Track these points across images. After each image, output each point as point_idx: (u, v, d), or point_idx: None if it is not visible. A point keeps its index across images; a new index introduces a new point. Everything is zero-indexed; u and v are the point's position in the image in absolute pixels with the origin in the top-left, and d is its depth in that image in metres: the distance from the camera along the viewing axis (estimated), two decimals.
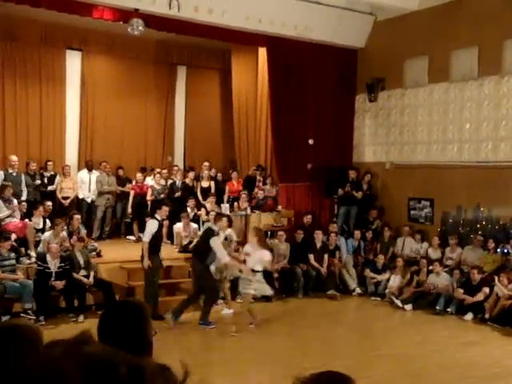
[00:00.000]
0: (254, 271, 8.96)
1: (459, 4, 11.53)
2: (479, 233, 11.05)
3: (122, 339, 2.01)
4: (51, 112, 13.95)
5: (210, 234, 9.34)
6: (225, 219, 9.65)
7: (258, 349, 8.16)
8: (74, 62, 14.32)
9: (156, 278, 9.39)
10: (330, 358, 7.60)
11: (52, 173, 12.78)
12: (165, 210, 9.70)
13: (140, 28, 10.91)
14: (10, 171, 11.70)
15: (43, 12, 11.09)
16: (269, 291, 9.59)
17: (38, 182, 12.13)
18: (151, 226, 9.35)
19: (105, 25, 12.16)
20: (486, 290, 9.78)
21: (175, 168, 14.14)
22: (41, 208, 10.92)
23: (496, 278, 9.72)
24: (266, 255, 9.17)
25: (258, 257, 8.99)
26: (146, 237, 9.32)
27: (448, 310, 10.15)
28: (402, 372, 7.11)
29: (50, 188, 12.57)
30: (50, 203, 11.58)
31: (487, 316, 9.54)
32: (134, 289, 9.71)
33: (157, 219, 9.46)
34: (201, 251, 9.32)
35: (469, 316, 9.76)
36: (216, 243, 9.15)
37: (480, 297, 9.78)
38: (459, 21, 11.51)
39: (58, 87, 14.04)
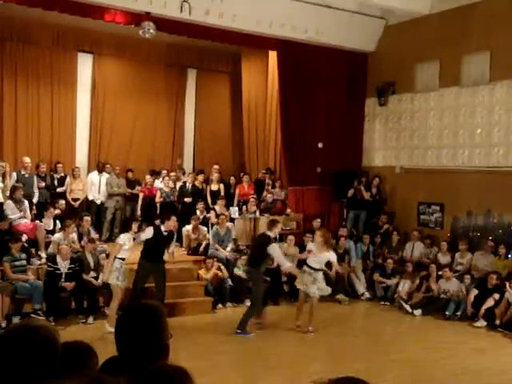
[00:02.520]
0: (314, 269, 9.12)
1: (471, 8, 11.49)
2: (490, 238, 10.98)
3: (138, 342, 2.02)
4: (62, 114, 14.05)
5: (266, 241, 9.06)
6: (280, 225, 9.62)
7: (266, 353, 8.15)
8: (85, 64, 14.42)
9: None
10: (339, 363, 7.58)
11: (62, 174, 12.83)
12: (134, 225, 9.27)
13: (151, 31, 10.96)
14: (23, 172, 11.76)
15: (55, 15, 11.18)
16: (328, 291, 9.57)
17: (43, 184, 12.15)
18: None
19: (116, 28, 12.23)
20: (496, 295, 9.72)
21: (179, 171, 14.20)
22: (52, 209, 10.97)
23: (507, 283, 9.66)
24: (333, 256, 9.39)
25: (323, 258, 9.19)
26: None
27: (457, 314, 10.10)
28: (411, 378, 7.08)
29: (59, 190, 12.62)
30: (62, 201, 11.66)
31: (498, 322, 9.47)
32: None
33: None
34: (255, 258, 9.15)
35: (481, 323, 9.70)
36: (275, 250, 9.02)
37: (490, 302, 9.71)
38: (471, 25, 11.47)
39: (69, 89, 14.14)
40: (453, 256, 11.33)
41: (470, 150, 11.67)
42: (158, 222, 10.22)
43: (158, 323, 2.12)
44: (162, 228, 9.40)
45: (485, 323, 9.65)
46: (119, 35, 13.65)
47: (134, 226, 9.16)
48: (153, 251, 9.21)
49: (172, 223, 9.48)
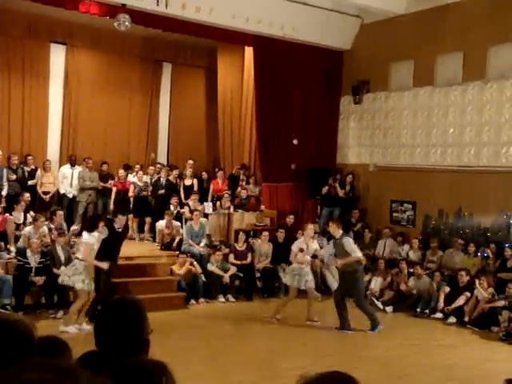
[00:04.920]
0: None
1: (445, 9, 11.64)
2: (460, 236, 11.14)
3: (118, 337, 1.99)
4: (34, 106, 13.79)
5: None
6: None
7: (238, 349, 8.14)
8: (58, 55, 14.18)
9: None
10: (312, 359, 7.61)
11: (32, 167, 12.61)
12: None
13: (126, 24, 10.82)
14: None
15: (28, 4, 10.96)
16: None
17: (14, 176, 11.93)
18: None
19: (90, 19, 12.05)
20: (468, 294, 9.88)
21: (158, 166, 14.10)
22: (22, 202, 10.78)
23: (476, 281, 9.82)
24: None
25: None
26: None
27: (425, 311, 10.24)
28: (383, 374, 7.14)
29: (30, 182, 12.41)
30: (27, 194, 11.36)
31: (467, 319, 9.63)
32: (115, 285, 9.59)
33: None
34: None
35: (452, 319, 9.85)
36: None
37: (461, 301, 9.87)
38: (445, 26, 11.62)
39: (41, 80, 13.89)
40: (424, 254, 11.49)
41: (442, 149, 11.83)
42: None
43: (139, 318, 2.10)
44: (116, 225, 9.24)
45: (455, 320, 9.81)
46: (93, 27, 13.45)
47: (101, 225, 8.96)
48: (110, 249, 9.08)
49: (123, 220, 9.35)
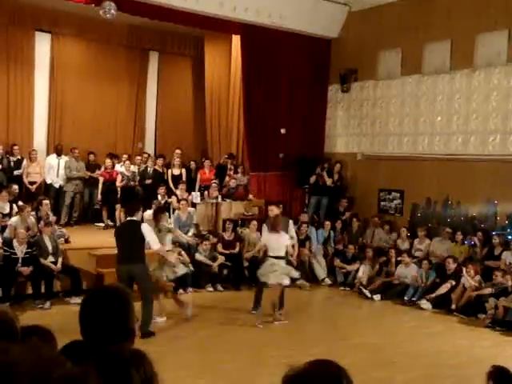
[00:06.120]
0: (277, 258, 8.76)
1: None
2: (447, 225, 11.19)
3: (104, 325, 1.96)
4: (19, 95, 13.62)
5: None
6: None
7: (226, 338, 8.14)
8: (43, 43, 13.99)
9: None
10: (300, 348, 7.62)
11: (18, 157, 12.50)
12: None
13: (112, 11, 10.66)
14: None
15: None
16: (295, 274, 9.19)
17: None
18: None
19: (76, 7, 11.88)
20: (452, 282, 9.93)
21: (145, 155, 14.02)
22: (4, 193, 10.65)
23: (464, 269, 9.88)
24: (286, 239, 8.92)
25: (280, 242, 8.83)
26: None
27: (413, 298, 10.29)
28: (371, 361, 7.17)
29: (16, 172, 12.30)
30: (16, 186, 11.33)
31: (453, 307, 9.70)
32: (103, 276, 9.55)
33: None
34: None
35: (427, 305, 9.94)
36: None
37: (443, 289, 9.94)
38: (432, 14, 11.61)
39: (26, 69, 13.71)
40: (412, 242, 11.53)
41: (430, 137, 11.86)
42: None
43: (124, 307, 2.07)
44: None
45: (430, 306, 9.90)
46: (79, 15, 13.27)
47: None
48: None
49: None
